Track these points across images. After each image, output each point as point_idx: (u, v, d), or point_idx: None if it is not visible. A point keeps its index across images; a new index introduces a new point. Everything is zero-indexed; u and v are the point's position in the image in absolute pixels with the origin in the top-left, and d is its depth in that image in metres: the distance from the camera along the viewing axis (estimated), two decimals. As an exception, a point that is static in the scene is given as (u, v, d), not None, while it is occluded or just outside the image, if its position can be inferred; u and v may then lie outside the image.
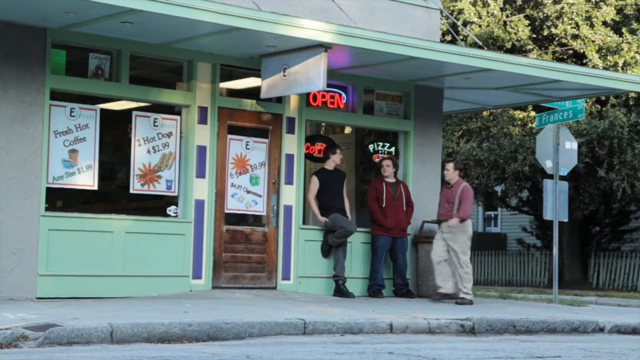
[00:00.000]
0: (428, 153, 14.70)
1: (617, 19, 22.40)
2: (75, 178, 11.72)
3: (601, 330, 11.22)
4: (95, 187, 11.90)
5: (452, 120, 23.71)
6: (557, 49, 22.69)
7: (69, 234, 11.53)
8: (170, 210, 12.50)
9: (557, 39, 22.69)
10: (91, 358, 6.98)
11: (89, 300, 11.13)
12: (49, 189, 11.54)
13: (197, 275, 12.47)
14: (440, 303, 13.10)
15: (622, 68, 21.36)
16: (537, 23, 23.01)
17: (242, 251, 12.93)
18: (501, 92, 15.02)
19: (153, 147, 12.35)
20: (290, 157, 13.37)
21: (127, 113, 12.41)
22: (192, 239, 12.46)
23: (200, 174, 12.60)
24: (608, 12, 22.15)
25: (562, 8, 22.36)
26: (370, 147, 14.73)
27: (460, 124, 23.78)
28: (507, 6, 23.43)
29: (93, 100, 12.06)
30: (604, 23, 22.30)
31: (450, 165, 13.56)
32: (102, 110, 12.03)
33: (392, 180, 13.90)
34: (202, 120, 12.63)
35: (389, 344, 8.49)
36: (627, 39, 21.85)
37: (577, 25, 22.25)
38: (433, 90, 14.75)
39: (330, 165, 13.65)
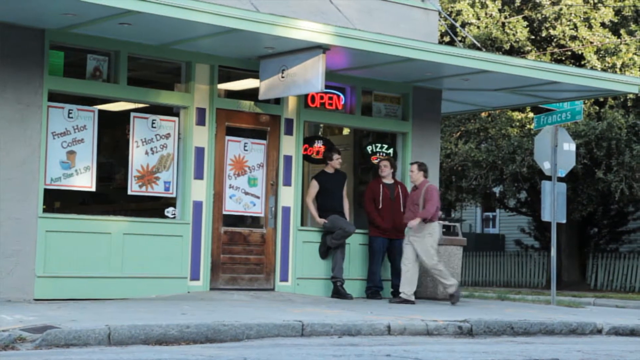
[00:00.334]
0: (426, 154, 14.69)
1: (616, 21, 22.42)
2: (73, 179, 11.72)
3: (599, 332, 11.21)
4: (93, 189, 11.89)
5: (450, 122, 23.72)
6: (556, 50, 22.70)
7: (66, 235, 11.53)
8: (168, 211, 12.50)
9: (555, 40, 22.70)
10: (88, 360, 6.98)
11: (86, 302, 11.12)
12: (46, 190, 11.53)
13: (195, 276, 12.47)
14: (438, 305, 13.09)
15: (620, 69, 21.37)
16: (535, 24, 23.02)
17: (240, 252, 12.92)
18: (499, 94, 15.02)
19: (151, 149, 12.34)
20: (288, 159, 13.37)
21: (125, 114, 12.40)
22: (190, 240, 12.45)
23: (198, 175, 12.59)
24: (606, 14, 22.16)
25: (561, 9, 22.37)
26: (369, 148, 14.73)
27: (459, 125, 23.79)
28: (506, 7, 23.44)
29: (91, 101, 12.06)
30: (602, 24, 22.31)
31: (414, 167, 13.36)
32: (100, 111, 12.02)
33: (389, 181, 13.89)
34: (200, 121, 12.63)
35: (387, 346, 8.48)
36: (625, 41, 21.86)
37: (576, 27, 22.26)
38: (431, 92, 14.75)
39: (330, 169, 13.64)
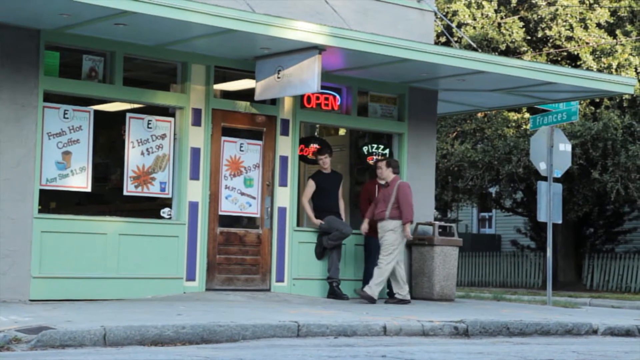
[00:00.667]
0: (422, 155, 14.70)
1: (611, 21, 22.44)
2: (68, 180, 11.71)
3: (595, 332, 11.22)
4: (89, 189, 11.88)
5: (446, 122, 23.73)
6: (552, 50, 22.72)
7: (62, 236, 11.51)
8: (164, 212, 12.49)
9: (551, 40, 22.72)
10: (84, 361, 6.97)
11: (82, 303, 11.11)
12: (42, 191, 11.52)
13: (190, 277, 12.46)
14: (434, 305, 13.10)
15: (616, 70, 21.39)
16: (531, 25, 23.04)
17: (236, 253, 12.92)
18: (495, 94, 15.03)
19: (147, 149, 12.33)
20: (284, 159, 13.36)
21: (121, 115, 12.39)
22: (185, 241, 12.45)
23: (194, 175, 12.59)
24: (602, 14, 22.19)
25: (557, 10, 22.39)
26: (365, 148, 14.73)
27: (455, 125, 23.80)
28: (502, 8, 23.46)
29: (87, 102, 12.05)
30: (598, 25, 22.34)
31: (382, 164, 13.33)
32: (95, 112, 12.01)
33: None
34: (196, 122, 12.62)
35: (383, 347, 8.48)
36: (620, 41, 21.88)
37: (571, 27, 22.29)
38: (427, 92, 14.76)
39: (326, 169, 13.63)
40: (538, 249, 27.24)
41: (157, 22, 10.89)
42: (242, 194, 13.08)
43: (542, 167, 15.53)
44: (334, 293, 13.32)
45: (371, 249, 13.65)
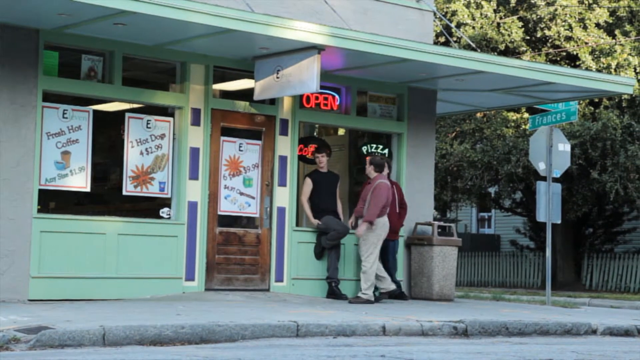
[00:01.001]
0: (421, 155, 14.71)
1: (610, 21, 22.44)
2: (67, 180, 11.71)
3: (594, 332, 11.22)
4: (88, 189, 11.89)
5: (445, 122, 23.73)
6: (551, 50, 22.72)
7: (61, 235, 11.51)
8: (163, 212, 12.49)
9: (550, 40, 22.72)
10: (83, 361, 6.97)
11: (81, 303, 11.11)
12: (41, 191, 11.52)
13: (190, 277, 12.46)
14: (433, 305, 13.10)
15: (615, 70, 21.39)
16: (530, 25, 23.04)
17: (235, 253, 12.91)
18: (494, 94, 15.03)
19: (146, 149, 12.33)
20: (283, 159, 13.36)
21: (120, 114, 12.39)
22: (185, 240, 12.44)
23: (193, 175, 12.58)
24: (601, 14, 22.19)
25: (556, 10, 22.39)
26: (364, 148, 14.73)
27: (454, 125, 23.80)
28: (501, 8, 23.46)
29: (86, 101, 12.04)
30: (597, 25, 22.34)
31: (367, 160, 13.36)
32: (94, 111, 12.01)
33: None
34: (195, 121, 12.62)
35: (382, 347, 8.48)
36: (620, 41, 21.89)
37: (570, 27, 22.29)
38: (426, 92, 14.76)
39: (322, 168, 13.63)
40: (537, 249, 27.24)
41: (156, 21, 10.89)
42: (241, 193, 13.07)
43: (541, 167, 15.53)
44: (333, 293, 13.32)
45: (386, 252, 13.72)
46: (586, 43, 22.02)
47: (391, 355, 7.59)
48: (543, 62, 20.84)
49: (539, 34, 22.80)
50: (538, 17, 22.75)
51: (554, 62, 22.52)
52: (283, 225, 13.28)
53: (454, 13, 23.11)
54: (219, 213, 12.84)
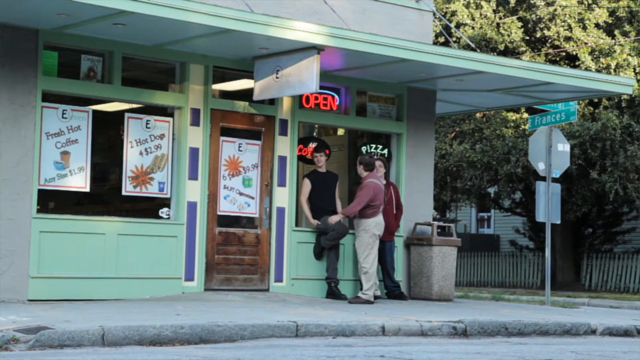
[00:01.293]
0: (421, 155, 14.71)
1: (610, 21, 22.44)
2: (67, 180, 11.71)
3: (593, 332, 11.22)
4: (87, 189, 11.89)
5: (445, 122, 23.73)
6: (550, 51, 22.73)
7: (60, 236, 11.51)
8: (163, 212, 12.49)
9: (550, 40, 22.72)
10: (82, 361, 6.97)
11: (80, 303, 11.11)
12: (40, 191, 11.52)
13: (189, 277, 12.46)
14: (432, 305, 13.10)
15: (615, 70, 21.39)
16: (530, 25, 23.04)
17: (235, 253, 12.91)
18: (494, 94, 15.04)
19: (145, 149, 12.33)
20: (283, 159, 13.36)
21: (120, 115, 12.39)
22: (184, 241, 12.44)
23: (193, 175, 12.58)
24: (600, 14, 22.19)
25: (555, 10, 22.39)
26: (363, 149, 14.73)
27: (453, 125, 23.80)
28: (500, 8, 23.46)
29: (85, 101, 12.04)
30: (597, 25, 22.34)
31: (358, 159, 13.40)
32: (94, 112, 12.01)
33: (382, 182, 13.87)
34: (195, 122, 12.62)
35: (381, 347, 8.48)
36: (619, 41, 21.89)
37: (570, 28, 22.29)
38: (426, 92, 14.76)
39: (321, 168, 13.63)
40: (537, 249, 27.25)
41: (156, 22, 10.89)
42: (241, 194, 13.07)
43: (540, 167, 15.53)
44: (333, 293, 13.32)
45: (383, 252, 13.72)
46: (586, 43, 22.03)
47: (390, 356, 7.59)
48: (542, 63, 20.84)
49: (538, 34, 22.81)
50: (537, 17, 22.75)
51: (553, 62, 22.52)
52: (282, 225, 13.28)
53: (453, 13, 23.11)
54: (219, 213, 12.84)
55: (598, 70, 21.05)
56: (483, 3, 23.17)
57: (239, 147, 13.10)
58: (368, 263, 12.92)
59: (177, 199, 12.46)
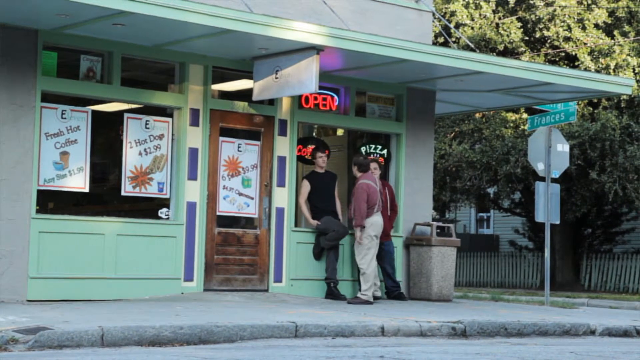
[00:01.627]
0: (420, 155, 14.71)
1: (609, 22, 22.45)
2: (66, 180, 11.70)
3: (592, 332, 11.22)
4: (87, 190, 11.88)
5: (444, 122, 23.73)
6: (550, 51, 22.73)
7: (60, 236, 11.51)
8: (162, 212, 12.49)
9: (549, 41, 22.72)
10: (81, 362, 6.97)
11: (79, 303, 11.11)
12: (40, 191, 11.51)
13: (188, 277, 12.45)
14: (431, 306, 13.10)
15: (614, 70, 21.39)
16: (529, 25, 23.04)
17: (234, 253, 12.91)
18: (493, 95, 15.04)
19: (145, 149, 12.33)
20: (282, 160, 13.36)
21: (119, 115, 12.39)
22: (183, 241, 12.44)
23: (192, 176, 12.58)
24: (600, 15, 22.19)
25: (554, 10, 22.39)
26: (363, 149, 14.73)
27: (453, 125, 23.80)
28: (500, 8, 23.46)
29: (84, 102, 12.04)
30: (596, 25, 22.34)
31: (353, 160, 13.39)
32: (93, 112, 12.01)
33: (377, 183, 13.84)
34: (194, 122, 12.61)
35: (380, 347, 8.48)
36: (618, 42, 21.89)
37: (569, 28, 22.29)
38: (425, 93, 14.76)
39: (319, 169, 13.63)
40: (536, 249, 27.25)
41: (155, 22, 10.88)
42: (240, 194, 13.07)
43: (540, 167, 15.53)
44: (332, 293, 13.32)
45: (381, 253, 13.70)
46: (585, 44, 22.03)
47: (390, 356, 7.59)
48: (542, 63, 20.83)
49: (537, 35, 22.80)
50: (537, 17, 22.75)
51: (552, 62, 22.52)
52: (282, 225, 13.28)
53: (452, 13, 23.11)
54: (218, 213, 12.84)
55: (597, 71, 21.06)
56: (482, 3, 23.17)
57: (239, 147, 13.10)
58: (365, 264, 12.93)
59: (177, 200, 12.46)
